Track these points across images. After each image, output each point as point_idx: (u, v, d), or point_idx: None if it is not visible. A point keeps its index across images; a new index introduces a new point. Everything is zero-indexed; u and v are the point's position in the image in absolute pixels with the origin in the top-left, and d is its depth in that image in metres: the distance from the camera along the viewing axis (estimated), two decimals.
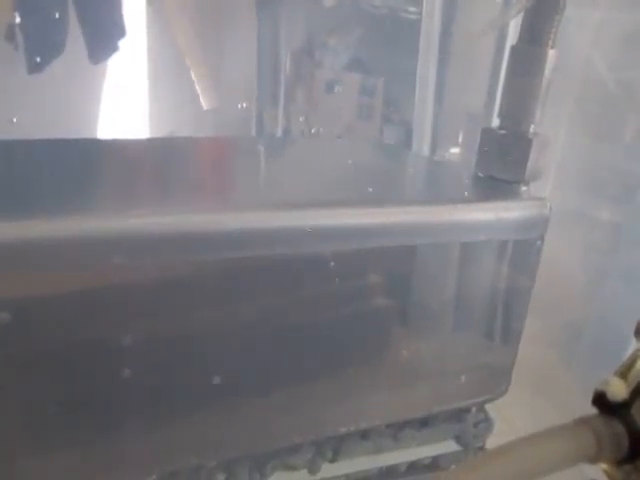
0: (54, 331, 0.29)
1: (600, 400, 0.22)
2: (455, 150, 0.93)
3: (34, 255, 0.27)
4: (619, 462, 0.23)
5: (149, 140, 0.60)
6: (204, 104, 0.55)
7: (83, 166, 0.42)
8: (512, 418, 0.50)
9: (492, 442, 0.47)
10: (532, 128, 0.43)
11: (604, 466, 0.23)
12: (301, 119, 0.86)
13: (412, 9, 1.03)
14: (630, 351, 0.23)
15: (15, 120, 0.62)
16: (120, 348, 0.31)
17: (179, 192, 0.37)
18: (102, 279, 0.30)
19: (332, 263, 0.35)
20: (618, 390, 0.22)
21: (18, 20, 0.61)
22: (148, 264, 0.30)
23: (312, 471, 0.41)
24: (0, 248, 0.27)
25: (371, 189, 0.41)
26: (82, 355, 0.30)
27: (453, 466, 0.36)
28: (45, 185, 0.36)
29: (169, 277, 0.31)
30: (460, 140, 0.91)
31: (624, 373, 0.22)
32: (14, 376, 0.29)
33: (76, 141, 0.48)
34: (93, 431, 0.32)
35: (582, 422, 0.22)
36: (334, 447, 0.41)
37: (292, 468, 0.40)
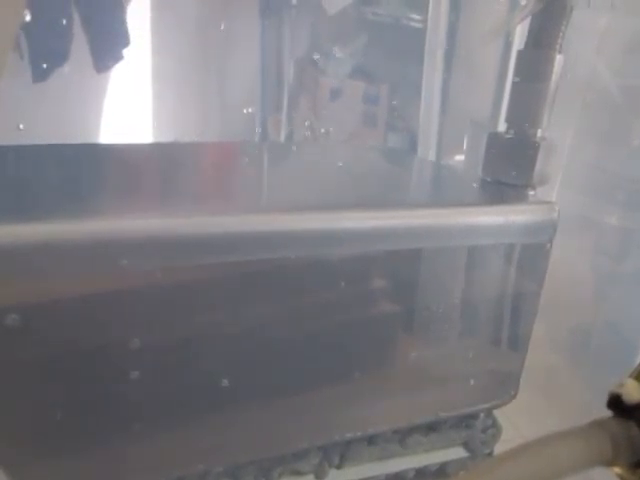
0: (62, 334, 0.29)
1: (615, 402, 0.22)
2: (460, 157, 0.93)
3: (42, 258, 0.27)
4: (634, 466, 0.22)
5: (154, 145, 0.61)
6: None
7: (89, 170, 0.42)
8: (519, 424, 0.49)
9: (499, 449, 0.47)
10: (539, 132, 0.43)
11: (618, 470, 0.23)
12: (306, 123, 0.86)
13: (416, 17, 1.03)
14: None
15: (22, 127, 0.62)
16: (127, 352, 0.31)
17: (185, 196, 0.37)
18: (110, 282, 0.30)
19: (340, 267, 0.35)
20: (633, 392, 0.21)
21: (22, 29, 0.62)
22: (155, 267, 0.30)
23: (319, 477, 0.40)
24: (10, 251, 0.27)
25: (380, 193, 0.41)
26: (88, 359, 0.30)
27: (462, 472, 0.35)
28: (52, 189, 0.36)
29: (176, 281, 0.31)
30: (464, 147, 0.91)
31: (639, 375, 0.22)
32: (21, 379, 0.29)
33: (81, 146, 0.48)
34: (101, 435, 0.32)
35: (597, 425, 0.21)
36: (341, 453, 0.41)
37: (299, 473, 0.40)
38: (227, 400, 0.34)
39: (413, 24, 1.04)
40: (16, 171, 0.39)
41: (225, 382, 0.34)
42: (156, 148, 0.56)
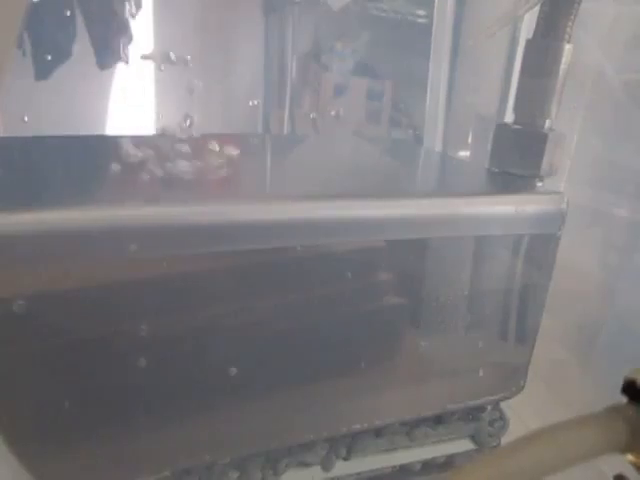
0: (67, 323, 0.29)
1: (630, 388, 0.22)
2: (465, 153, 0.93)
3: (50, 245, 0.27)
4: None
5: (157, 137, 0.60)
6: None
7: (93, 161, 0.42)
8: (526, 417, 0.49)
9: (506, 441, 0.47)
10: (547, 123, 0.43)
11: (631, 458, 0.23)
12: (312, 115, 0.86)
13: (421, 12, 1.03)
14: None
15: (26, 119, 0.62)
16: (133, 342, 0.30)
17: (191, 185, 0.37)
18: (118, 269, 0.29)
19: (348, 257, 0.34)
20: None
21: (24, 27, 0.62)
22: (162, 256, 0.30)
23: (326, 468, 0.40)
24: (17, 238, 0.26)
25: (388, 182, 0.40)
26: (94, 349, 0.30)
27: (477, 458, 0.35)
28: (57, 178, 0.36)
29: (184, 269, 0.31)
30: (469, 142, 0.91)
31: None
32: (26, 368, 0.29)
33: (85, 138, 0.48)
34: (107, 426, 0.32)
35: (613, 410, 0.21)
36: (348, 445, 0.41)
37: (305, 465, 0.40)
38: (234, 391, 0.34)
39: (418, 20, 1.04)
40: (22, 162, 0.39)
41: (232, 373, 0.33)
42: (160, 140, 0.56)
